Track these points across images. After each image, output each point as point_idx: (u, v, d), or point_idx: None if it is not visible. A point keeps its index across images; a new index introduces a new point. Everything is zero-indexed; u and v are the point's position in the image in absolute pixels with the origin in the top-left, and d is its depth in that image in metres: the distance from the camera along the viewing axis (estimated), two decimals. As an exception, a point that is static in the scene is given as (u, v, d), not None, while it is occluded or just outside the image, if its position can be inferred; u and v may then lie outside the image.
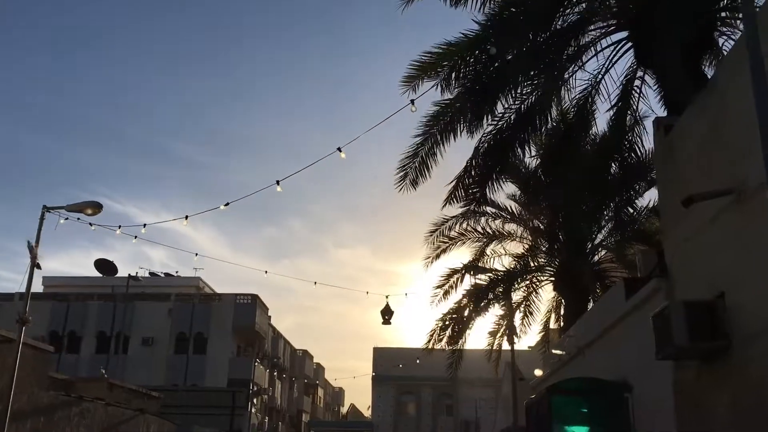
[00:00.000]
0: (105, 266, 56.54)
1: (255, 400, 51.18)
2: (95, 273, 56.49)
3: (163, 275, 59.35)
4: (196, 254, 23.27)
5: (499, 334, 22.23)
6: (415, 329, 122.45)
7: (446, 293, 20.88)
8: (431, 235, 20.46)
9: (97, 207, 14.42)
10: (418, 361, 39.35)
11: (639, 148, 14.43)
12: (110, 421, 18.17)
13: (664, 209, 9.36)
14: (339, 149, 12.30)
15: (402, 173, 14.03)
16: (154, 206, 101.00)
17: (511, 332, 19.65)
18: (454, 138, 13.33)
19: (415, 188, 13.95)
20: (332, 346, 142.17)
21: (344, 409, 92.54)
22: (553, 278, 20.26)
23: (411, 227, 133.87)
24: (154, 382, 38.16)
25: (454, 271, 20.91)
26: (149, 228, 15.92)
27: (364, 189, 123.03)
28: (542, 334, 22.85)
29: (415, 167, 13.89)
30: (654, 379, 10.00)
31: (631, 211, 17.76)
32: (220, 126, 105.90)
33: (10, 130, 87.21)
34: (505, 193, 20.13)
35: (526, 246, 20.67)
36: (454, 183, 14.21)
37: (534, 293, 21.53)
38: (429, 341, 21.50)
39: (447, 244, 20.79)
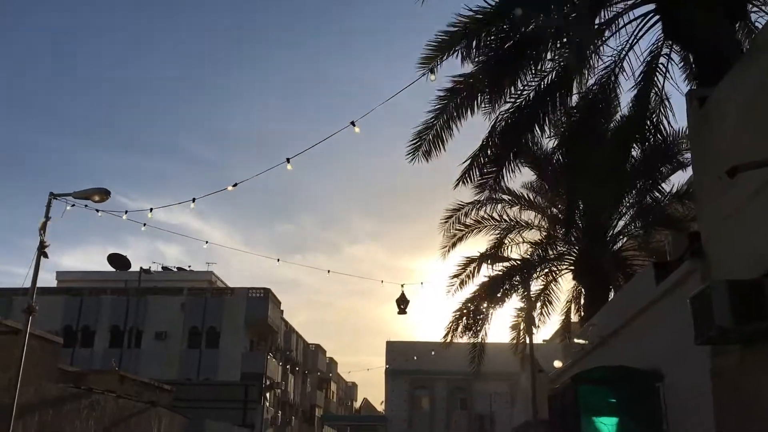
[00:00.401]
0: (118, 261, 56.39)
1: (268, 395, 50.92)
2: (109, 268, 56.53)
3: (175, 269, 59.19)
4: (207, 242, 22.66)
5: (521, 327, 21.64)
6: (429, 323, 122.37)
7: (462, 283, 20.34)
8: (447, 222, 19.92)
9: (104, 193, 14.01)
10: (433, 354, 38.96)
11: (664, 128, 13.71)
12: (121, 414, 17.78)
13: (700, 186, 8.80)
14: (353, 123, 11.76)
15: (415, 145, 13.36)
16: (166, 201, 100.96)
17: (529, 323, 19.12)
18: (472, 113, 12.74)
19: (427, 160, 13.25)
20: (345, 341, 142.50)
21: (357, 404, 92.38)
22: (572, 267, 19.68)
23: (425, 223, 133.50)
24: (167, 376, 37.93)
25: (471, 260, 20.33)
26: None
27: (379, 184, 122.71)
28: (562, 324, 22.28)
29: (429, 139, 13.20)
30: (688, 367, 9.46)
31: (657, 195, 17.15)
32: (232, 124, 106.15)
33: (23, 130, 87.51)
34: (521, 181, 19.63)
35: (544, 234, 20.06)
36: (468, 162, 13.58)
37: (553, 282, 20.94)
38: (447, 334, 20.99)
39: (463, 232, 20.23)
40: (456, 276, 20.38)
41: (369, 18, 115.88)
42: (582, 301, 20.59)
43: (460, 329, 20.74)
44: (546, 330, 26.15)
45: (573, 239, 19.15)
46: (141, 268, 40.45)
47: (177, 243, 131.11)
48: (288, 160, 12.28)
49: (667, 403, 10.12)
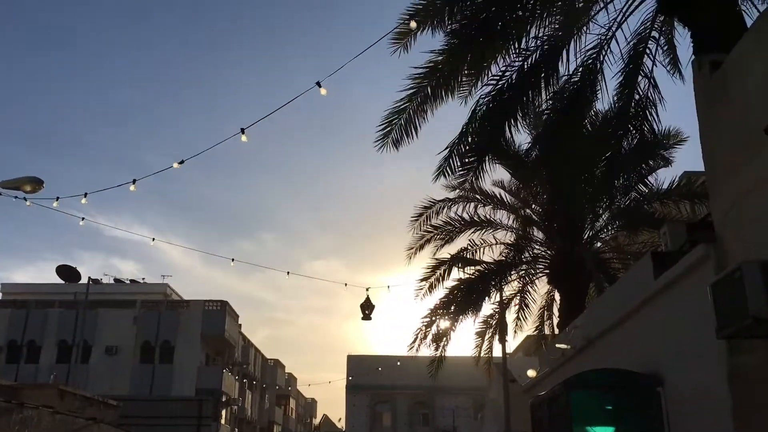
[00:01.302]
0: (67, 272, 53.86)
1: (224, 411, 49.09)
2: (58, 280, 54.04)
3: (128, 281, 57.01)
4: (153, 238, 21.23)
5: (487, 335, 20.50)
6: (391, 338, 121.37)
7: (432, 287, 19.12)
8: (417, 220, 18.75)
9: (37, 183, 12.57)
10: (398, 364, 37.75)
11: (653, 118, 12.74)
12: (57, 430, 16.17)
13: (713, 161, 7.76)
14: (318, 84, 10.57)
15: (385, 130, 12.16)
16: (125, 218, 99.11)
17: (502, 330, 18.04)
18: (450, 96, 11.63)
19: (397, 149, 12.13)
20: (305, 358, 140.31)
21: (317, 421, 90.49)
22: (547, 270, 18.66)
23: (386, 241, 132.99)
24: (118, 392, 35.88)
25: (441, 263, 19.12)
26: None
27: (339, 202, 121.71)
28: (535, 332, 21.20)
29: (401, 125, 12.02)
30: (693, 369, 8.41)
31: (638, 193, 16.20)
32: (192, 138, 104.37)
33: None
34: (493, 178, 18.59)
35: (518, 235, 18.98)
36: (447, 151, 12.39)
37: (529, 285, 19.85)
38: (413, 342, 19.77)
39: (432, 234, 19.07)
40: (425, 279, 19.17)
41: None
42: (555, 308, 19.64)
43: (429, 338, 19.53)
44: (513, 342, 25.03)
45: (548, 240, 18.14)
46: (90, 278, 38.29)
47: (133, 258, 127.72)
48: (242, 130, 11.02)
49: (668, 409, 9.03)
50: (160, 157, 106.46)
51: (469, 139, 12.10)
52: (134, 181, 13.81)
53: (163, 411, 30.82)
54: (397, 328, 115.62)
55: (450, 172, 12.67)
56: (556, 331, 20.97)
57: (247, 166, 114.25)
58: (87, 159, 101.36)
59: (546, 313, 20.68)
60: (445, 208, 18.48)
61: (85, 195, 14.20)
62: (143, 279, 57.31)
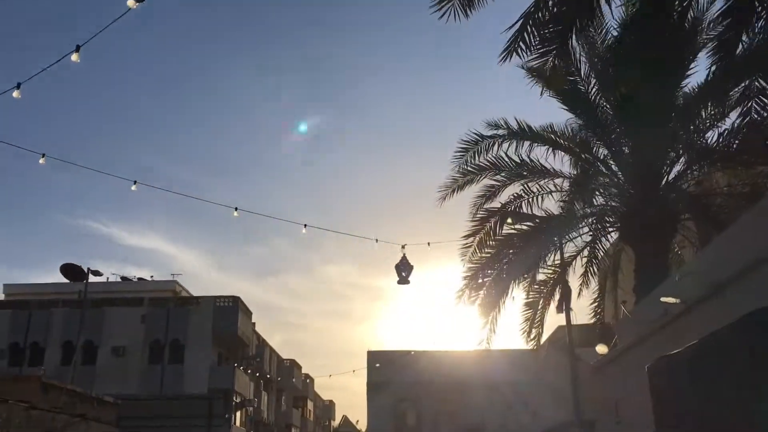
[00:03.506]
0: (71, 271, 51.25)
1: (239, 413, 46.30)
2: (62, 279, 51.48)
3: (136, 279, 54.36)
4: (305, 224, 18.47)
5: (540, 306, 17.30)
6: (408, 335, 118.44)
7: (482, 243, 16.12)
8: (462, 156, 15.72)
9: None
10: (421, 357, 34.60)
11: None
12: (33, 427, 13.38)
13: None
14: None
15: None
16: (138, 227, 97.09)
17: (565, 296, 15.05)
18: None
19: (467, 15, 9.43)
20: (321, 362, 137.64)
21: (336, 423, 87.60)
22: (618, 225, 15.60)
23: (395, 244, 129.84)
24: (126, 394, 33.22)
25: (491, 213, 16.10)
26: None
27: (348, 204, 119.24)
28: (595, 302, 17.95)
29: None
30: None
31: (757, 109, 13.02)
32: (205, 146, 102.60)
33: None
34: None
35: (583, 180, 15.79)
36: (519, 24, 9.41)
37: (598, 242, 16.64)
38: (461, 295, 16.57)
39: (475, 174, 16.06)
40: (471, 235, 16.12)
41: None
42: (620, 273, 16.65)
43: (481, 294, 16.24)
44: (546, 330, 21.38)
45: (622, 186, 15.01)
46: (89, 269, 35.42)
47: (148, 266, 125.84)
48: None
49: None
50: (171, 166, 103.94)
51: (550, 3, 9.08)
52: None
53: (172, 411, 28.12)
54: (417, 323, 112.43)
55: (524, 49, 9.62)
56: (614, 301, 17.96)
57: (254, 169, 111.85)
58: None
59: (610, 278, 17.58)
60: (494, 146, 15.48)
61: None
62: (152, 277, 54.66)
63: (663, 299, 9.90)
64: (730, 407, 6.66)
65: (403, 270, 15.44)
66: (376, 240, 15.63)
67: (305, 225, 15.89)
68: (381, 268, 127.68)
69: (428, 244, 16.36)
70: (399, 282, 15.67)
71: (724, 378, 6.51)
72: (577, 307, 23.95)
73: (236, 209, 15.64)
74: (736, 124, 13.11)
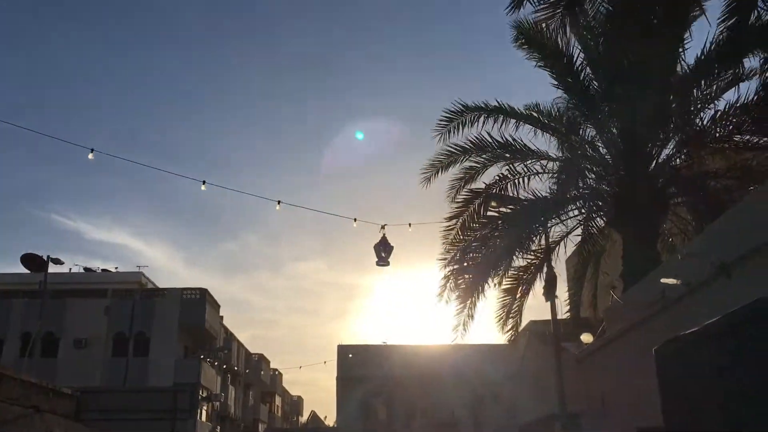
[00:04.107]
0: (32, 261, 49.50)
1: (205, 407, 45.21)
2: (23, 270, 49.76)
3: (100, 271, 52.80)
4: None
5: (519, 293, 16.60)
6: (381, 330, 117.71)
7: (465, 226, 15.38)
8: (446, 126, 14.93)
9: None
10: (390, 347, 33.76)
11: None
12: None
13: None
14: None
15: None
16: (105, 221, 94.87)
17: (550, 280, 14.38)
18: None
19: None
20: (292, 358, 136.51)
21: (303, 418, 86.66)
22: (605, 209, 14.95)
23: (368, 242, 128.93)
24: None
25: (475, 194, 15.35)
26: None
27: (323, 202, 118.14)
28: (572, 290, 17.26)
29: None
30: None
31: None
32: (171, 138, 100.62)
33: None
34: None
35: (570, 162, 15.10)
36: None
37: (590, 224, 15.89)
38: (442, 290, 15.90)
39: (459, 154, 15.32)
40: (455, 217, 15.37)
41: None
42: (604, 259, 16.05)
43: (463, 279, 15.54)
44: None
45: (608, 167, 14.34)
46: (48, 257, 34.00)
47: (115, 261, 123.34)
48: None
49: None
50: (138, 158, 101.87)
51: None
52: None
53: (135, 404, 26.90)
54: (391, 319, 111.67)
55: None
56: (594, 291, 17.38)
57: (230, 165, 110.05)
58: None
59: (591, 266, 16.94)
60: (479, 120, 14.71)
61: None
62: (116, 268, 53.19)
63: (663, 280, 9.25)
64: (747, 392, 6.00)
65: (383, 250, 14.63)
66: (355, 219, 14.80)
67: (279, 201, 14.98)
68: (354, 264, 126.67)
69: (409, 225, 15.60)
70: (378, 263, 14.87)
71: (741, 361, 5.85)
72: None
73: (204, 182, 14.71)
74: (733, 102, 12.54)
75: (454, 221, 15.52)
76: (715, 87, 13.40)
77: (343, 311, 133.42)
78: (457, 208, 15.55)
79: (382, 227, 14.82)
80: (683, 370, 7.28)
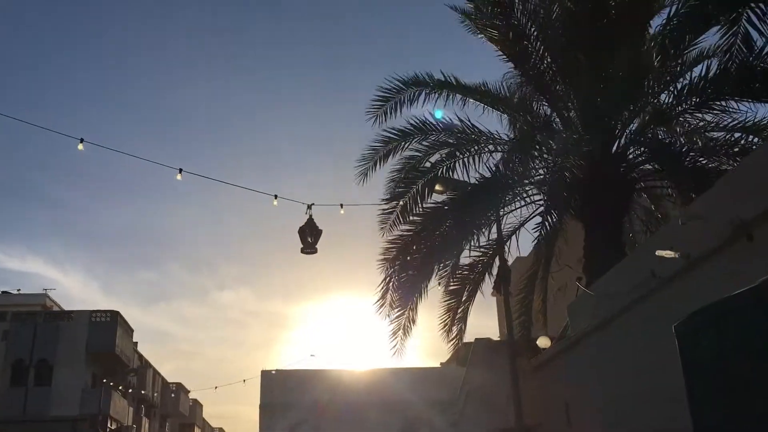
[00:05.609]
0: None
1: (115, 440, 41.62)
2: None
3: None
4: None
5: (464, 296, 14.67)
6: (311, 355, 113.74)
7: (405, 210, 13.41)
8: (381, 107, 13.08)
9: None
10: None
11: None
12: None
13: None
14: None
15: None
16: (19, 249, 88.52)
17: (503, 275, 12.58)
18: None
19: None
20: (213, 391, 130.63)
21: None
22: (564, 194, 13.21)
23: (296, 271, 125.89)
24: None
25: (418, 174, 13.33)
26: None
27: (249, 232, 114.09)
28: (522, 293, 15.41)
29: None
30: None
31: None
32: (89, 163, 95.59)
33: None
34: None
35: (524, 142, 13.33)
36: None
37: (548, 214, 13.94)
38: (382, 298, 13.89)
39: (399, 141, 13.45)
40: (393, 199, 13.38)
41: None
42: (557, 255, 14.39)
43: (394, 297, 13.67)
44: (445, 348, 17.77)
45: (568, 144, 12.62)
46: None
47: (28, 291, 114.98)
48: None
49: None
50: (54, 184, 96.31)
51: None
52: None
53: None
54: (320, 345, 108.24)
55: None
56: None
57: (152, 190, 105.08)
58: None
59: (543, 265, 15.18)
60: (422, 97, 12.91)
61: None
62: (18, 290, 49.00)
63: (658, 252, 7.50)
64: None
65: (309, 234, 12.44)
66: (275, 196, 12.56)
67: (180, 170, 12.64)
68: (280, 292, 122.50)
69: (341, 205, 13.46)
70: (303, 250, 12.64)
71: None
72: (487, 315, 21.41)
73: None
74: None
75: (393, 203, 13.53)
76: (683, 58, 11.99)
77: (271, 340, 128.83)
78: (397, 189, 13.57)
79: (309, 207, 12.69)
80: (703, 345, 5.46)
